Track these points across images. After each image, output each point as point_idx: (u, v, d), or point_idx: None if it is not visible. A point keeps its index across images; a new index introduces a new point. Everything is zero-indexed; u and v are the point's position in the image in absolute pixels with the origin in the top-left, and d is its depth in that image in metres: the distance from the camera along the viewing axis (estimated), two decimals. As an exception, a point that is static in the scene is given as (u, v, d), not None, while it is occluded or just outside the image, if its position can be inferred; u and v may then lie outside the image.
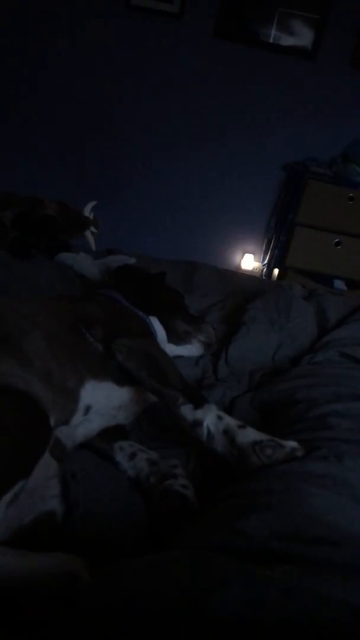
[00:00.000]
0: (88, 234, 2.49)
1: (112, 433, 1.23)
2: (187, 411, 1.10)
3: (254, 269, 4.05)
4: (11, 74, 3.70)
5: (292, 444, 1.00)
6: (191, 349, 1.62)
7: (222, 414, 1.10)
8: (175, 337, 1.58)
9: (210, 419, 1.08)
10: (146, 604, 0.58)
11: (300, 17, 3.52)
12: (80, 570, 0.76)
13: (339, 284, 3.69)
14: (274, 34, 3.57)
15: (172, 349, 1.55)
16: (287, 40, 3.57)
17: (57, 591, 0.74)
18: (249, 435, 1.03)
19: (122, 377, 1.24)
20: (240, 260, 4.09)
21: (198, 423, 1.08)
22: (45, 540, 0.90)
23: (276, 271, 3.74)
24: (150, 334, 1.46)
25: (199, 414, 1.09)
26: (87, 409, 1.19)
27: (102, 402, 1.22)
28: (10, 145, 3.87)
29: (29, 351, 1.12)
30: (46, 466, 1.00)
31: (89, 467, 1.09)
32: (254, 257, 4.08)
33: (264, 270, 3.95)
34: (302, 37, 3.56)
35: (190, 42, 3.60)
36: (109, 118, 3.81)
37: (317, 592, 0.57)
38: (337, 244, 3.52)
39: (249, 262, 4.06)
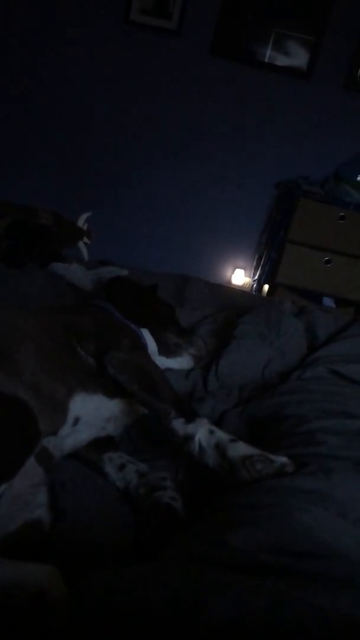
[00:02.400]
0: (81, 244, 2.50)
1: (102, 444, 1.23)
2: (179, 425, 1.11)
3: (244, 284, 4.08)
4: (9, 85, 3.72)
5: (282, 459, 1.00)
6: (182, 362, 1.63)
7: (213, 428, 1.10)
8: (166, 349, 1.58)
9: (201, 433, 1.08)
10: (137, 613, 0.58)
11: (296, 38, 3.58)
12: (52, 584, 0.71)
13: (328, 302, 3.71)
14: (269, 54, 3.62)
15: (162, 362, 1.55)
16: (282, 61, 3.62)
17: (23, 604, 0.68)
18: (240, 449, 1.04)
19: (113, 389, 1.25)
20: (231, 275, 4.11)
21: (189, 437, 1.09)
22: (32, 549, 0.90)
23: (266, 287, 3.77)
24: (142, 347, 1.47)
25: (190, 428, 1.10)
26: (76, 420, 1.19)
27: (91, 413, 1.22)
28: (5, 154, 3.88)
29: (18, 362, 1.12)
30: (32, 473, 1.00)
31: (77, 477, 1.09)
32: (245, 273, 4.10)
33: (254, 285, 3.97)
34: (297, 57, 3.62)
35: (188, 59, 3.65)
36: (104, 131, 3.83)
37: (307, 602, 0.58)
38: (327, 262, 3.55)
39: (240, 277, 4.08)
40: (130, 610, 0.58)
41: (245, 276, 4.10)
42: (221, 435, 1.08)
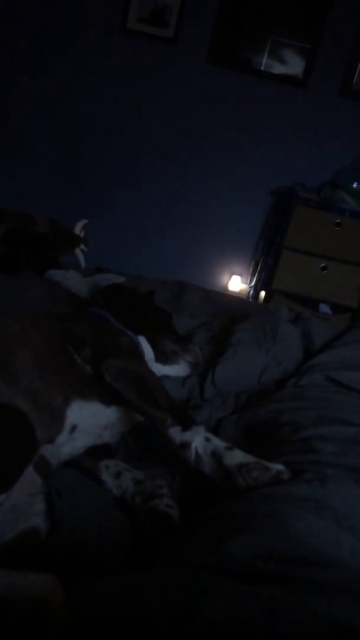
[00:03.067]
0: (78, 251, 2.51)
1: (98, 452, 1.23)
2: (175, 433, 1.11)
3: (240, 290, 4.09)
4: (7, 93, 3.73)
5: (278, 466, 1.01)
6: (178, 369, 1.63)
7: (210, 435, 1.11)
8: (162, 356, 1.59)
9: (198, 440, 1.08)
10: (133, 620, 0.58)
11: (292, 46, 3.61)
12: (51, 592, 0.72)
13: (325, 308, 3.73)
14: (265, 62, 3.64)
15: (159, 369, 1.56)
16: (278, 68, 3.65)
17: (23, 613, 0.70)
18: (236, 457, 1.04)
19: (109, 397, 1.25)
20: (228, 282, 4.12)
21: (186, 445, 1.09)
22: (28, 557, 0.90)
23: (263, 294, 3.78)
24: (138, 354, 1.47)
25: (187, 435, 1.10)
26: (73, 428, 1.19)
27: (88, 421, 1.22)
28: (2, 161, 3.89)
29: (16, 370, 1.13)
30: (30, 482, 1.00)
31: (74, 485, 1.09)
32: (241, 279, 4.11)
33: (251, 292, 3.98)
34: (293, 65, 3.65)
35: (184, 67, 3.67)
36: (101, 139, 3.84)
37: (303, 609, 0.58)
38: (324, 268, 3.56)
39: (236, 283, 4.10)
40: (127, 618, 0.59)
41: (242, 283, 4.11)
42: (217, 442, 1.08)
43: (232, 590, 0.61)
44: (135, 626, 0.58)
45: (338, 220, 3.46)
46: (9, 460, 0.90)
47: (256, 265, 3.96)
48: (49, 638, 0.65)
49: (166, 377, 1.59)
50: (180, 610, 0.57)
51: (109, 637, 0.57)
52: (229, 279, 4.12)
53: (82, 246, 2.52)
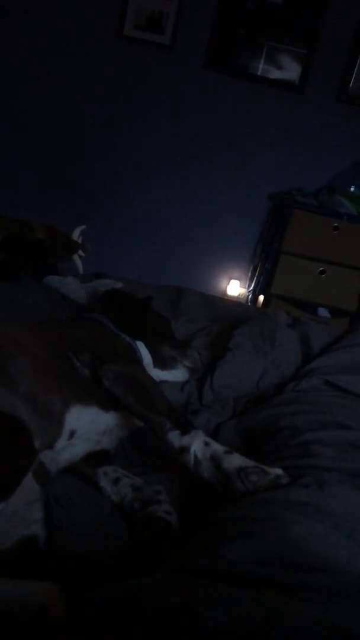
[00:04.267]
0: (76, 257, 2.51)
1: (97, 458, 1.23)
2: (174, 437, 1.11)
3: (239, 295, 4.09)
4: (3, 99, 3.74)
5: (277, 471, 1.01)
6: (177, 374, 1.63)
7: (208, 439, 1.11)
8: (161, 362, 1.59)
9: (197, 445, 1.08)
10: (132, 626, 0.58)
11: (288, 51, 3.62)
12: (52, 600, 0.73)
13: (323, 312, 3.73)
14: (262, 67, 3.66)
15: (157, 374, 1.56)
16: (275, 74, 3.66)
17: (25, 622, 0.70)
18: (235, 461, 1.04)
19: (108, 402, 1.25)
20: (226, 286, 4.12)
21: (185, 449, 1.09)
22: (27, 565, 0.89)
23: (261, 298, 3.78)
24: (137, 359, 1.47)
25: (185, 440, 1.10)
26: (72, 434, 1.19)
27: (87, 426, 1.22)
28: (0, 168, 3.90)
29: (15, 375, 1.13)
30: (28, 490, 1.00)
31: (72, 491, 1.09)
32: (240, 284, 4.11)
33: (249, 296, 3.99)
34: (289, 71, 3.66)
35: (181, 73, 3.68)
36: (98, 145, 3.85)
37: (302, 615, 0.58)
38: (322, 272, 3.57)
39: (235, 288, 4.10)
40: (125, 626, 0.58)
41: (241, 287, 4.12)
42: (216, 447, 1.08)
43: (230, 597, 0.61)
44: (133, 635, 0.57)
45: (336, 225, 3.47)
46: (8, 469, 0.90)
47: (254, 269, 3.96)
48: None
49: (165, 382, 1.59)
50: (179, 618, 0.57)
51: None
52: (228, 284, 4.12)
53: (80, 252, 2.53)
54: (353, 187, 3.58)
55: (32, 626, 0.70)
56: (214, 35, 3.59)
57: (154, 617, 0.59)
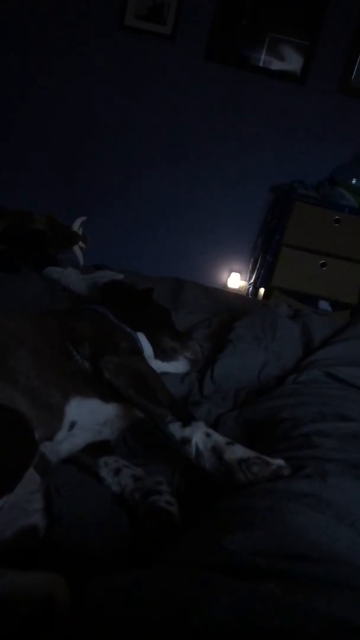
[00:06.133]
0: (76, 249, 2.50)
1: (97, 448, 1.23)
2: (175, 429, 1.11)
3: (240, 287, 4.08)
4: (4, 90, 3.72)
5: (278, 462, 1.00)
6: (177, 366, 1.63)
7: (210, 431, 1.10)
8: (161, 353, 1.58)
9: (198, 436, 1.08)
10: (133, 618, 0.58)
11: (290, 42, 3.60)
12: (57, 590, 0.73)
13: (324, 305, 3.72)
14: (264, 58, 3.64)
15: (158, 366, 1.55)
16: (276, 65, 3.64)
17: (32, 611, 0.71)
18: (237, 452, 1.03)
19: (109, 394, 1.24)
20: (227, 279, 4.11)
21: (186, 440, 1.08)
22: (27, 555, 0.89)
23: (262, 290, 3.77)
24: (138, 350, 1.47)
25: (187, 431, 1.09)
26: (72, 425, 1.19)
27: (87, 418, 1.22)
28: (1, 159, 3.88)
29: (14, 367, 1.13)
30: (29, 480, 0.99)
31: (73, 482, 1.09)
32: (240, 276, 4.10)
33: (250, 289, 3.98)
34: (291, 62, 3.64)
35: (182, 63, 3.66)
36: (99, 135, 3.84)
37: (303, 606, 0.58)
38: (323, 265, 3.56)
39: (235, 280, 4.09)
40: (126, 616, 0.58)
41: (241, 280, 4.11)
42: (218, 438, 1.08)
43: (232, 588, 0.61)
44: (134, 626, 0.57)
45: (337, 217, 3.46)
46: (10, 464, 0.90)
47: (255, 262, 3.95)
48: (56, 636, 0.64)
49: (165, 373, 1.58)
50: (179, 611, 0.57)
51: (108, 637, 0.57)
52: (228, 276, 4.11)
53: (81, 243, 2.51)
54: (355, 179, 3.57)
55: (37, 615, 0.70)
56: (216, 25, 3.57)
57: (155, 608, 0.58)
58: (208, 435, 1.09)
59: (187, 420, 1.12)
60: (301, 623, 0.56)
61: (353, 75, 3.62)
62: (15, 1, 3.56)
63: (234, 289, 4.03)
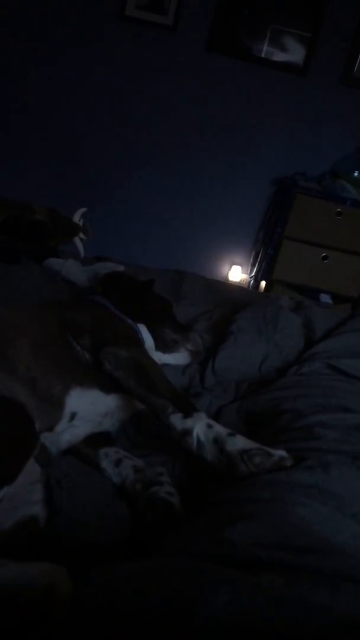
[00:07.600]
0: (77, 240, 2.49)
1: (98, 440, 1.22)
2: (177, 420, 1.10)
3: (241, 280, 4.07)
4: (5, 82, 3.70)
5: (280, 453, 1.00)
6: (178, 358, 1.62)
7: (211, 422, 1.10)
8: (162, 345, 1.58)
9: (199, 427, 1.07)
10: (134, 610, 0.57)
11: (292, 34, 3.57)
12: (58, 581, 0.73)
13: (325, 298, 3.71)
14: (266, 50, 3.61)
15: (159, 357, 1.55)
16: (279, 56, 3.61)
17: (33, 602, 0.71)
18: (238, 443, 1.03)
19: (109, 385, 1.24)
20: (228, 272, 4.10)
21: (187, 432, 1.08)
22: (27, 545, 0.89)
23: (263, 284, 3.76)
24: (138, 342, 1.46)
25: (188, 422, 1.09)
26: (73, 416, 1.19)
27: (87, 409, 1.21)
28: (1, 150, 3.86)
29: (14, 358, 1.13)
30: (29, 471, 0.99)
31: (73, 473, 1.08)
32: (242, 269, 4.09)
33: (251, 282, 3.97)
34: (294, 53, 3.61)
35: (184, 54, 3.63)
36: (101, 127, 3.82)
37: (305, 600, 0.57)
38: (324, 258, 3.55)
39: (237, 273, 4.08)
40: (127, 608, 0.58)
41: (242, 273, 4.10)
42: (219, 429, 1.07)
43: (233, 580, 0.60)
44: (136, 619, 0.57)
45: (339, 210, 3.44)
46: (11, 455, 0.90)
47: (257, 255, 3.94)
48: (57, 626, 0.64)
49: (166, 365, 1.58)
50: (180, 603, 0.56)
51: (110, 630, 0.57)
52: (230, 269, 4.10)
53: (82, 235, 2.50)
54: (357, 171, 3.55)
55: (37, 606, 0.70)
56: (218, 16, 3.54)
57: (156, 599, 0.58)
58: (209, 426, 1.08)
59: (188, 411, 1.12)
60: (302, 617, 0.55)
61: (355, 67, 3.60)
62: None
63: (235, 282, 4.02)
